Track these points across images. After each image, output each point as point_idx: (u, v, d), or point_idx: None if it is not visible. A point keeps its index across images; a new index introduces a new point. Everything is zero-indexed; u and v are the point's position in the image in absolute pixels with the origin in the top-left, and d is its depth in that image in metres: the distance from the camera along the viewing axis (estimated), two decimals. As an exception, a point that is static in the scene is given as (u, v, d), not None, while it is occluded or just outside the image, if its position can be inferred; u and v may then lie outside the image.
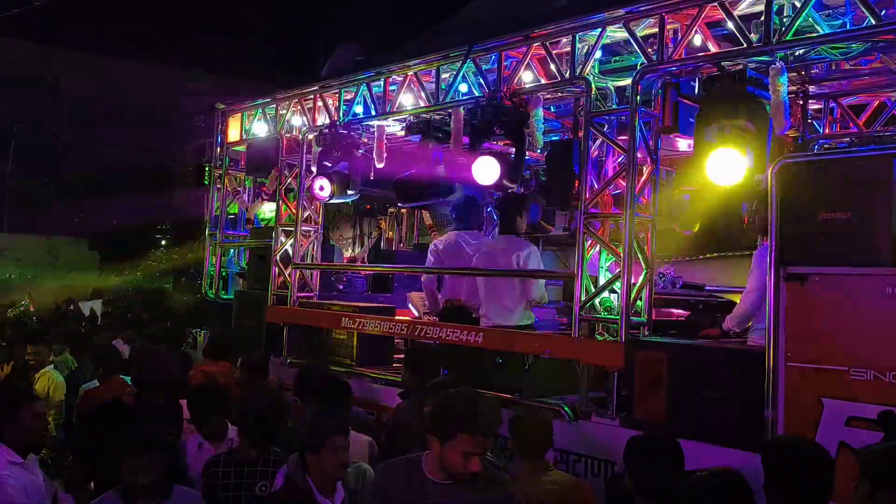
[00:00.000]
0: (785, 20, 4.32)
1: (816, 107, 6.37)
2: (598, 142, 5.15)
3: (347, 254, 10.69)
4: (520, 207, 5.90)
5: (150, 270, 16.71)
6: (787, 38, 4.25)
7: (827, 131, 6.35)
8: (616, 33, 5.08)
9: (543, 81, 5.52)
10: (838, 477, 3.38)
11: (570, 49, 5.22)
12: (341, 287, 8.13)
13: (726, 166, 4.39)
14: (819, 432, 3.68)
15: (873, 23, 3.98)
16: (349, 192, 6.98)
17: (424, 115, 6.22)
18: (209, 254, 8.56)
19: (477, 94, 5.84)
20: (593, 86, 5.07)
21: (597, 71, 5.17)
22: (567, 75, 5.25)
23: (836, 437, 3.62)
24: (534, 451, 3.86)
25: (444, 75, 6.12)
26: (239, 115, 8.37)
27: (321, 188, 6.96)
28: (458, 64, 5.89)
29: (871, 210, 3.67)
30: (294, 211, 7.40)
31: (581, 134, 5.17)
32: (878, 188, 3.67)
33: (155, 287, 15.62)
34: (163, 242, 22.38)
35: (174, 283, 15.08)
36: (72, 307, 13.50)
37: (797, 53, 4.45)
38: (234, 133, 8.43)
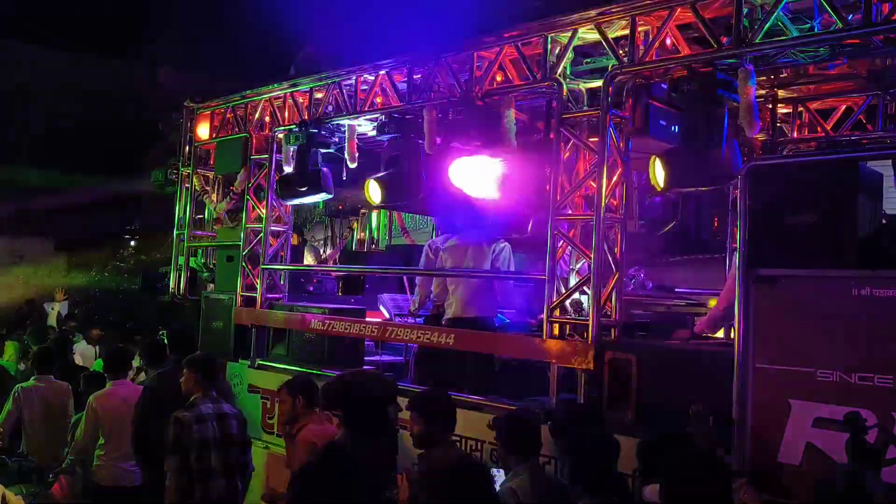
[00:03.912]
0: (754, 23, 4.35)
1: (785, 110, 6.43)
2: (570, 143, 5.14)
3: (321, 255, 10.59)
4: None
5: (117, 271, 16.44)
6: (757, 41, 4.27)
7: (795, 135, 6.41)
8: (588, 35, 5.08)
9: (515, 82, 5.51)
10: (806, 476, 3.42)
11: (542, 50, 5.21)
12: (311, 289, 8.06)
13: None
14: (786, 433, 3.70)
15: (840, 27, 4.02)
16: (322, 192, 6.90)
17: (397, 115, 6.17)
18: (176, 254, 8.42)
19: (449, 94, 5.81)
20: (565, 87, 5.06)
21: (568, 72, 5.16)
22: (539, 76, 5.24)
23: (803, 439, 3.65)
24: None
25: (416, 75, 6.09)
26: (208, 112, 8.25)
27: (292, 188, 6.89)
28: (431, 63, 5.85)
29: (837, 213, 3.70)
30: (263, 211, 7.31)
31: (552, 135, 5.16)
32: (844, 191, 3.71)
33: (122, 288, 15.39)
34: (132, 243, 22.05)
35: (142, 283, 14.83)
36: (36, 307, 13.25)
37: (766, 56, 4.47)
38: (203, 131, 8.30)
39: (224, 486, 4.77)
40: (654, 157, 4.72)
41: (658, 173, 4.70)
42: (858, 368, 3.53)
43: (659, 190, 4.82)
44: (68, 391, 6.74)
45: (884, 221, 3.99)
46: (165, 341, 6.60)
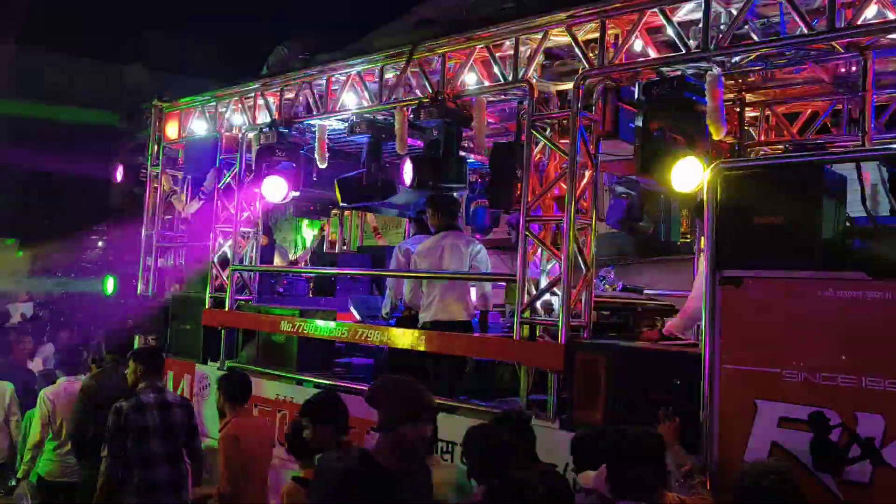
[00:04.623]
0: (722, 27, 4.39)
1: (753, 114, 6.52)
2: (541, 145, 5.16)
3: (290, 256, 10.53)
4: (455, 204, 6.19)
5: (84, 273, 16.17)
6: (724, 46, 4.32)
7: (762, 138, 6.50)
8: (558, 37, 5.10)
9: (487, 84, 5.51)
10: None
11: (513, 52, 5.22)
12: (281, 290, 8.00)
13: (681, 172, 4.46)
14: (753, 433, 3.73)
15: (805, 32, 4.08)
16: (291, 192, 6.86)
17: (368, 115, 6.14)
18: (144, 255, 8.30)
19: (421, 95, 5.80)
20: (535, 89, 5.08)
21: (539, 74, 5.18)
22: (510, 78, 5.25)
23: (768, 438, 3.68)
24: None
25: (387, 75, 6.07)
26: (177, 112, 8.16)
27: (262, 188, 6.83)
28: (402, 64, 5.84)
29: (802, 215, 3.75)
30: (233, 211, 7.24)
31: (524, 137, 5.18)
32: (809, 194, 3.75)
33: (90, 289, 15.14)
34: (99, 244, 21.72)
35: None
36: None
37: (734, 60, 4.52)
38: (172, 131, 8.21)
39: (169, 472, 4.99)
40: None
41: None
42: (823, 369, 3.57)
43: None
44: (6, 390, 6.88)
45: (847, 224, 4.05)
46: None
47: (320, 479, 3.24)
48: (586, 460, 3.58)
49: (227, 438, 4.81)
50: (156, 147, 8.30)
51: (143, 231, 8.39)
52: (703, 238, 4.83)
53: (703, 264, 4.54)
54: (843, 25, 3.97)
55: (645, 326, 5.27)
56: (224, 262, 7.28)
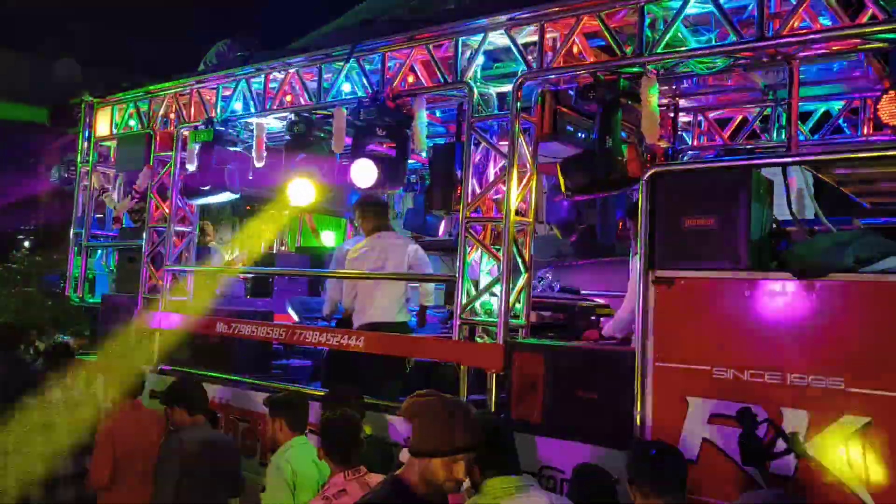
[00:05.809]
0: (656, 34, 4.50)
1: (686, 119, 6.70)
2: (481, 146, 5.19)
3: (227, 257, 10.33)
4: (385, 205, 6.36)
5: (9, 273, 15.54)
6: (658, 51, 4.42)
7: (695, 143, 6.69)
8: (498, 39, 5.14)
9: (427, 84, 5.52)
10: (701, 471, 3.55)
11: (453, 53, 5.24)
12: (218, 291, 7.84)
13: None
14: (684, 430, 3.83)
15: (735, 40, 4.20)
16: (228, 193, 6.73)
17: (306, 114, 6.08)
18: (73, 255, 8.04)
19: (360, 94, 5.77)
20: (475, 91, 5.10)
21: (479, 76, 5.21)
22: (450, 79, 5.26)
23: (699, 434, 3.79)
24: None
25: (326, 74, 6.01)
26: (109, 107, 7.92)
27: (200, 188, 6.69)
28: (342, 63, 5.80)
29: (731, 217, 3.86)
30: (167, 210, 7.06)
31: (464, 138, 5.20)
32: (737, 196, 3.87)
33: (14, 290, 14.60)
34: (25, 244, 20.95)
35: (38, 286, 14.14)
36: None
37: (668, 66, 4.63)
38: (103, 127, 7.96)
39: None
40: (558, 164, 4.83)
41: (564, 179, 4.81)
42: (750, 366, 3.69)
43: (565, 194, 4.92)
44: None
45: (774, 226, 4.20)
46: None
47: (161, 456, 4.50)
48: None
49: (104, 432, 4.95)
50: (86, 144, 8.04)
51: (71, 230, 8.13)
52: (636, 240, 4.94)
53: (635, 266, 4.65)
54: (770, 35, 4.11)
55: (585, 327, 5.34)
56: (158, 262, 7.10)
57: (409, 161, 6.51)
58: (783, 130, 6.15)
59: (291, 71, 6.20)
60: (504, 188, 4.90)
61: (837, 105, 6.29)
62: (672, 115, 6.33)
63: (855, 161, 4.12)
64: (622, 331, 4.78)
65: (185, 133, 7.00)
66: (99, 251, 8.22)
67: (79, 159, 8.11)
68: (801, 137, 6.05)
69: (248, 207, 9.30)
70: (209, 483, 4.52)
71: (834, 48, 4.41)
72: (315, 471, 4.13)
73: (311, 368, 6.83)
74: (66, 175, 8.53)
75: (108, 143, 7.98)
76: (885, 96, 3.83)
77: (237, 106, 6.69)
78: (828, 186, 4.63)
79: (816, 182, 4.69)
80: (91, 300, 8.01)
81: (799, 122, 5.22)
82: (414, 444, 2.77)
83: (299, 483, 4.09)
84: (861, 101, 6.04)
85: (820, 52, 4.48)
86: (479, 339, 4.98)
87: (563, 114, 4.95)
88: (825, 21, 4.10)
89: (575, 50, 4.86)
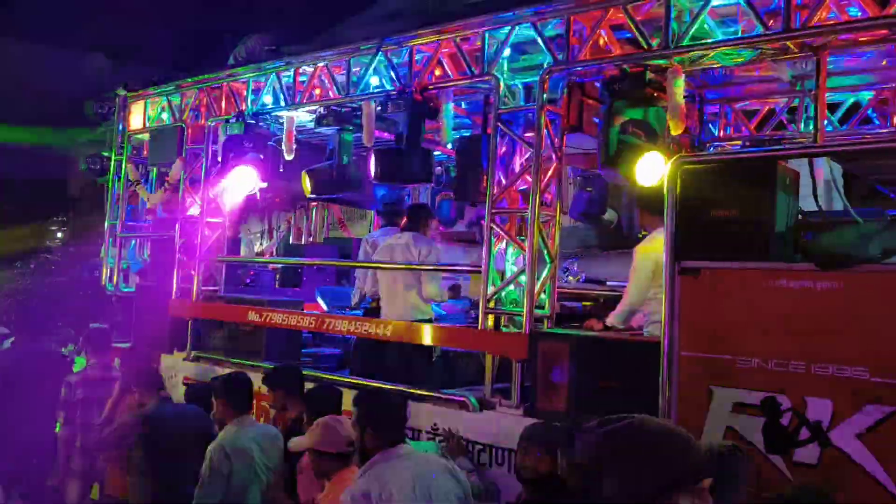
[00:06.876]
0: (683, 26, 4.52)
1: (712, 110, 6.69)
2: (507, 138, 5.24)
3: (256, 248, 10.51)
4: (428, 212, 6.23)
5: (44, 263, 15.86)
6: (684, 43, 4.44)
7: (721, 134, 6.68)
8: (525, 32, 5.18)
9: (454, 77, 5.58)
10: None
11: (480, 46, 5.30)
12: (248, 281, 8.00)
13: (644, 165, 4.59)
14: (708, 418, 3.87)
15: (761, 31, 4.22)
16: (258, 184, 6.86)
17: (335, 107, 6.17)
18: (109, 245, 8.23)
19: (388, 87, 5.85)
20: (502, 83, 5.16)
21: (506, 68, 5.26)
22: (477, 71, 5.32)
23: (722, 423, 3.83)
24: None
25: (354, 68, 6.10)
26: (142, 101, 8.09)
27: (230, 179, 6.83)
28: (370, 57, 5.88)
29: (757, 208, 3.89)
30: (199, 202, 7.21)
31: (490, 130, 5.26)
32: (763, 187, 3.89)
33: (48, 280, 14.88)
34: (59, 235, 21.33)
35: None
36: None
37: (693, 58, 4.65)
38: (136, 120, 8.13)
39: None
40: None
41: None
42: (774, 356, 3.72)
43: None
44: None
45: (799, 217, 4.21)
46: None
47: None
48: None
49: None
50: (119, 137, 8.22)
51: (105, 222, 8.32)
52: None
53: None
54: (798, 26, 4.11)
55: (593, 318, 5.37)
56: (190, 253, 7.25)
57: (436, 153, 6.61)
58: (811, 121, 6.13)
59: (320, 65, 6.30)
60: (530, 179, 4.96)
61: (867, 95, 6.24)
62: (698, 105, 6.32)
63: (882, 152, 4.12)
64: (625, 322, 4.82)
65: (217, 126, 7.13)
66: (133, 241, 8.41)
67: (113, 152, 8.29)
68: (829, 128, 6.02)
69: (276, 199, 9.43)
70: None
71: (861, 39, 4.40)
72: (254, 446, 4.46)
73: (339, 357, 6.94)
74: (99, 167, 8.71)
75: (141, 136, 8.15)
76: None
77: (267, 99, 6.81)
78: (857, 177, 4.62)
79: (846, 173, 4.69)
80: (125, 289, 8.21)
81: (828, 113, 5.21)
82: (628, 495, 1.81)
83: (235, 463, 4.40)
84: (891, 91, 5.99)
85: (847, 43, 4.46)
86: (504, 329, 5.05)
87: (589, 106, 4.98)
88: (854, 11, 4.10)
89: (601, 42, 4.89)
